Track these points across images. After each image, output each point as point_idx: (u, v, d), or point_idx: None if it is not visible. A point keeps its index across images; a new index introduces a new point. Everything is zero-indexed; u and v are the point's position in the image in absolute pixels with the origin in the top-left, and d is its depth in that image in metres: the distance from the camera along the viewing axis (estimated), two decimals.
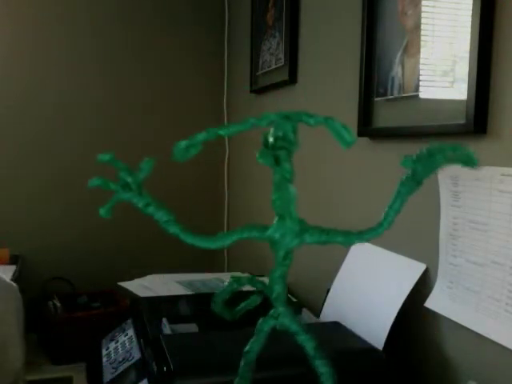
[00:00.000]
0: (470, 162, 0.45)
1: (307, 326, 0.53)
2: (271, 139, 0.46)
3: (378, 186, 1.13)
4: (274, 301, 0.51)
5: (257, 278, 0.58)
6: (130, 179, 0.47)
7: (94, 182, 0.48)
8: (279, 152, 0.46)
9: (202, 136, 0.46)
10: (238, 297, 0.58)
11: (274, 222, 0.48)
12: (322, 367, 0.51)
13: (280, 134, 0.46)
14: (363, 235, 0.50)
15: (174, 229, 0.49)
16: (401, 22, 1.03)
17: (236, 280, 0.57)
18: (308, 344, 0.51)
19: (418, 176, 0.47)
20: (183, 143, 0.45)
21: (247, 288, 0.57)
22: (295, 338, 0.51)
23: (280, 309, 0.51)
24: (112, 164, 0.47)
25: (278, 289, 0.50)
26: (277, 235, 0.48)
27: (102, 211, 0.48)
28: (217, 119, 2.14)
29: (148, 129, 2.08)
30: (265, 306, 0.56)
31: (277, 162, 0.47)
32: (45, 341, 1.74)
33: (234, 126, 0.46)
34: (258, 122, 0.46)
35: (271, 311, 0.51)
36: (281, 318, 0.51)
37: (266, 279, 0.50)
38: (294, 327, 0.51)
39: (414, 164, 0.47)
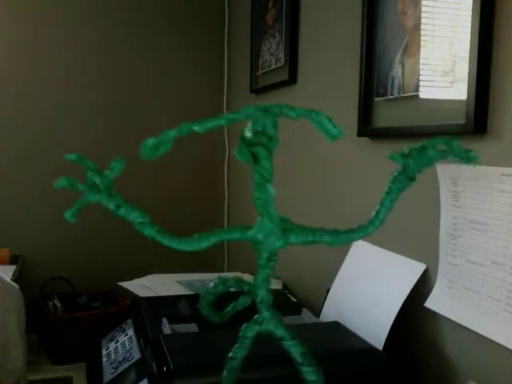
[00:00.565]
0: (467, 157, 0.42)
1: (302, 326, 0.51)
2: (249, 134, 0.42)
3: (378, 186, 1.13)
4: (259, 305, 0.47)
5: (244, 278, 0.54)
6: (98, 180, 0.44)
7: (60, 182, 0.45)
8: (257, 149, 0.42)
9: (173, 132, 0.42)
10: (227, 297, 0.56)
11: (256, 222, 0.44)
12: (310, 375, 0.48)
13: (259, 128, 0.42)
14: (352, 234, 0.46)
15: (148, 230, 0.45)
16: (401, 22, 1.03)
17: (222, 281, 0.54)
18: (294, 350, 0.47)
19: (410, 171, 0.43)
20: (151, 141, 0.42)
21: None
22: (281, 343, 0.48)
23: (264, 313, 0.47)
24: (79, 163, 0.44)
25: (261, 292, 0.47)
26: (260, 236, 0.44)
27: (67, 214, 0.45)
28: None
29: (148, 129, 2.08)
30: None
31: (255, 159, 0.42)
32: (45, 341, 1.74)
33: (209, 122, 0.42)
34: (235, 116, 0.42)
35: (256, 316, 0.48)
36: (265, 323, 0.47)
37: None
38: (279, 332, 0.47)
39: (404, 159, 0.44)
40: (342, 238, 0.46)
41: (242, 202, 2.01)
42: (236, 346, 0.49)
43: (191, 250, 0.45)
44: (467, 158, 0.41)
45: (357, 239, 0.46)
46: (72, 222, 0.44)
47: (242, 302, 0.56)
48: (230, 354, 0.49)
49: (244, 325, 0.49)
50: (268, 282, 0.47)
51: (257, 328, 0.48)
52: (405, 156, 0.44)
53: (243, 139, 0.43)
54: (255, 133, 0.43)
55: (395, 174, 0.44)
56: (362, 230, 0.46)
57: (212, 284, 0.54)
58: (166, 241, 0.45)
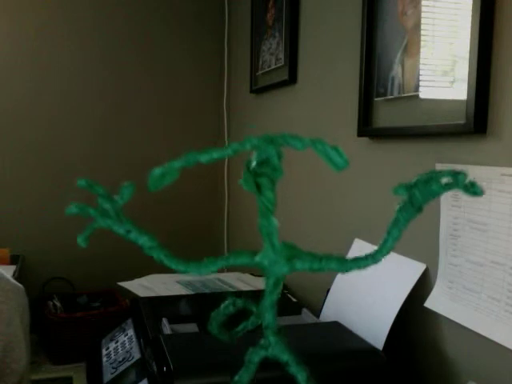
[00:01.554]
0: (473, 191, 0.41)
1: (302, 326, 0.52)
2: (254, 165, 0.43)
3: (378, 186, 1.13)
4: (265, 330, 0.48)
5: (250, 287, 0.55)
6: (108, 206, 0.45)
7: (71, 209, 0.45)
8: (261, 179, 0.43)
9: (178, 163, 0.43)
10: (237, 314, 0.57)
11: (263, 248, 0.45)
12: None
13: (263, 158, 0.43)
14: (359, 262, 0.46)
15: (157, 254, 0.46)
16: (401, 22, 1.03)
17: (232, 303, 0.55)
18: (300, 375, 0.48)
19: (417, 202, 0.43)
20: (158, 171, 0.42)
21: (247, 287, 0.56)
22: (286, 368, 0.48)
23: (271, 338, 0.48)
24: (89, 190, 0.45)
25: (268, 318, 0.48)
26: (265, 262, 0.45)
27: (79, 239, 0.46)
28: (217, 119, 2.14)
29: (148, 129, 2.08)
30: None
31: (259, 189, 0.43)
32: (45, 341, 1.74)
33: (216, 152, 0.43)
34: (240, 146, 0.43)
35: (262, 341, 0.48)
36: (271, 348, 0.48)
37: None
38: (285, 358, 0.48)
39: (409, 190, 0.44)
40: (349, 265, 0.46)
41: (242, 205, 2.01)
42: (241, 370, 0.49)
43: (198, 274, 0.46)
44: (473, 192, 0.41)
45: (363, 267, 0.46)
46: (84, 247, 0.45)
47: (253, 322, 0.57)
48: (235, 378, 0.49)
49: (250, 349, 0.49)
50: (274, 307, 0.48)
51: (263, 353, 0.48)
52: (410, 188, 0.44)
53: (248, 168, 0.44)
54: (259, 163, 0.43)
55: (402, 204, 0.44)
56: (370, 259, 0.46)
57: (222, 306, 0.55)
58: (173, 265, 0.46)
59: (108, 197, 0.45)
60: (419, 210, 0.44)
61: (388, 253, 0.47)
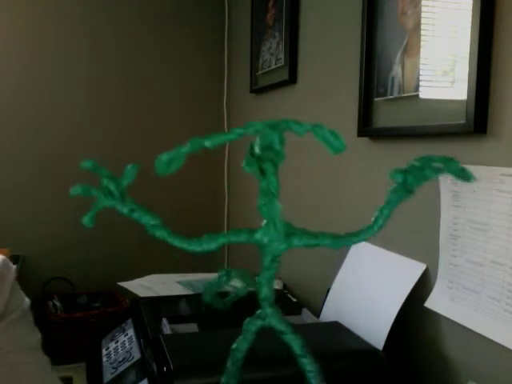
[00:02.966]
0: (463, 176, 0.44)
1: (302, 326, 0.54)
2: (257, 149, 0.45)
3: (378, 186, 1.13)
4: (261, 301, 0.51)
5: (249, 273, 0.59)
6: (112, 186, 0.47)
7: (76, 190, 0.47)
8: (265, 164, 0.45)
9: (185, 148, 0.44)
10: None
11: (262, 226, 0.48)
12: (309, 365, 0.52)
13: (266, 143, 0.45)
14: (351, 238, 0.50)
15: (160, 232, 0.48)
16: (401, 22, 1.03)
17: (226, 273, 0.58)
18: (295, 343, 0.51)
19: (409, 185, 0.47)
20: (165, 156, 0.44)
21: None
22: (282, 337, 0.52)
23: (267, 309, 0.51)
24: (94, 171, 0.46)
25: (265, 291, 0.51)
26: (265, 239, 0.48)
27: (85, 219, 0.47)
28: (217, 119, 2.14)
29: (148, 128, 2.08)
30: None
31: (262, 173, 0.46)
32: (45, 341, 1.74)
33: (220, 137, 0.45)
34: (243, 131, 0.45)
35: (258, 311, 0.52)
36: (268, 318, 0.51)
37: None
38: (281, 326, 0.51)
39: (403, 176, 0.47)
40: (342, 241, 0.50)
41: (242, 204, 2.02)
42: (239, 338, 0.53)
43: (201, 251, 0.49)
44: (463, 177, 0.44)
45: (356, 243, 0.49)
46: (89, 227, 0.47)
47: (242, 290, 0.61)
48: (233, 346, 0.52)
49: (247, 319, 0.52)
50: (272, 281, 0.51)
51: (259, 322, 0.52)
52: (404, 172, 0.47)
53: (252, 152, 0.46)
54: (263, 148, 0.45)
55: (395, 186, 0.47)
56: (361, 234, 0.49)
57: (216, 276, 0.58)
58: (177, 242, 0.49)
59: (112, 177, 0.47)
60: (411, 193, 0.47)
61: (379, 230, 0.50)
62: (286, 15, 1.55)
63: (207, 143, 0.44)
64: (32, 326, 0.70)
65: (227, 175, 2.13)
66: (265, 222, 0.47)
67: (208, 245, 0.48)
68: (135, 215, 0.47)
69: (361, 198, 1.20)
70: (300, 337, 0.52)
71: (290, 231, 0.48)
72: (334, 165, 1.32)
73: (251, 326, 0.52)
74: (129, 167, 0.46)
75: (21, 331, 0.66)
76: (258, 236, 0.48)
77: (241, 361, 0.53)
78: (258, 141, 0.45)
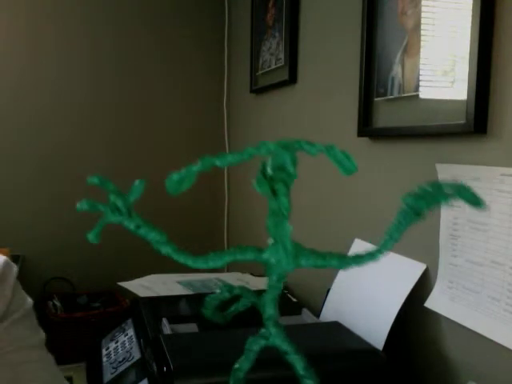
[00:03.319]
0: (476, 203, 0.44)
1: (302, 326, 0.53)
2: (269, 170, 0.45)
3: (378, 186, 1.13)
4: (266, 321, 0.51)
5: (248, 286, 0.57)
6: (119, 202, 0.47)
7: (82, 205, 0.47)
8: (277, 185, 0.45)
9: (196, 167, 0.44)
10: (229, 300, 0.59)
11: (269, 245, 0.47)
12: None
13: (278, 164, 0.44)
14: (359, 260, 0.50)
15: (166, 249, 0.48)
16: (401, 22, 1.03)
17: (228, 289, 0.57)
18: (298, 364, 0.50)
19: (420, 209, 0.47)
20: (176, 176, 0.44)
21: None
22: (285, 357, 0.51)
23: (271, 329, 0.51)
24: (101, 186, 0.46)
25: (269, 311, 0.50)
26: (272, 260, 0.47)
27: (90, 236, 0.47)
28: (217, 119, 2.14)
29: (148, 128, 2.08)
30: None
31: (274, 193, 0.45)
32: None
33: (232, 156, 0.44)
34: (256, 151, 0.44)
35: (262, 331, 0.51)
36: (272, 338, 0.51)
37: (265, 279, 0.50)
38: (284, 347, 0.51)
39: (415, 200, 0.47)
40: (349, 262, 0.50)
41: (242, 200, 2.02)
42: (241, 358, 0.52)
43: (206, 268, 0.48)
44: (475, 204, 0.45)
45: (363, 264, 0.49)
46: (95, 243, 0.47)
47: (244, 303, 0.60)
48: (235, 366, 0.52)
49: (250, 338, 0.52)
50: (276, 300, 0.50)
51: (263, 342, 0.51)
52: (416, 197, 0.47)
53: (263, 172, 0.45)
54: (274, 168, 0.45)
55: (404, 209, 0.47)
56: (369, 257, 0.49)
57: (218, 290, 0.57)
58: (182, 259, 0.48)
59: (119, 193, 0.46)
60: (421, 216, 0.47)
61: (387, 251, 0.50)
62: (286, 15, 1.55)
63: (218, 162, 0.44)
64: (35, 325, 0.70)
65: (227, 175, 2.13)
66: (272, 241, 0.47)
67: (214, 262, 0.48)
68: (141, 231, 0.47)
69: (361, 198, 1.20)
70: (304, 358, 0.51)
71: (298, 251, 0.48)
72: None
73: (254, 345, 0.52)
74: (136, 183, 0.46)
75: (23, 331, 0.66)
76: (265, 256, 0.47)
77: (243, 381, 0.53)
78: (270, 161, 0.45)
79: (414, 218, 0.47)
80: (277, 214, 0.45)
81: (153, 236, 0.47)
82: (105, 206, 0.47)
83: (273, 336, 0.50)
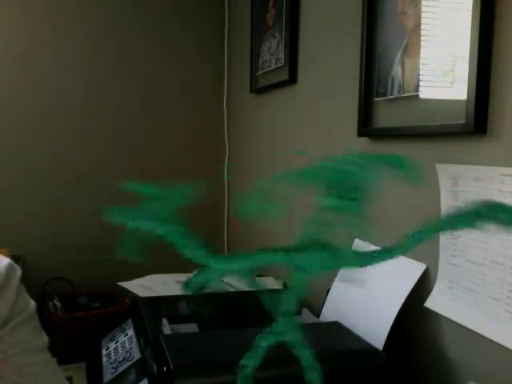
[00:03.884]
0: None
1: (302, 326, 0.53)
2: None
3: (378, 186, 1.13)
4: (282, 316, 0.51)
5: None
6: (164, 211, 0.46)
7: (114, 218, 0.46)
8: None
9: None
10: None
11: (301, 249, 0.48)
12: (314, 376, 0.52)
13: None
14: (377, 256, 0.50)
15: (204, 259, 0.48)
16: (401, 22, 1.03)
17: (264, 338, 0.54)
18: (307, 359, 0.52)
19: (439, 229, 0.47)
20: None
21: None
22: (293, 350, 0.51)
23: (285, 325, 0.51)
24: (137, 192, 0.44)
25: (288, 307, 0.52)
26: (304, 263, 0.49)
27: (132, 257, 0.47)
28: (217, 119, 2.14)
29: (148, 128, 2.08)
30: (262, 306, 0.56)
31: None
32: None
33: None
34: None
35: (273, 327, 0.51)
36: (284, 334, 0.51)
37: (265, 279, 0.50)
38: (297, 344, 0.52)
39: (474, 218, 0.47)
40: (368, 260, 0.50)
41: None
42: (248, 354, 0.51)
43: (234, 269, 0.48)
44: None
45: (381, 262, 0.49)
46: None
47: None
48: (242, 362, 0.51)
49: (259, 335, 0.51)
50: (295, 298, 0.52)
51: (273, 339, 0.51)
52: (475, 215, 0.47)
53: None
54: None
55: (425, 226, 0.47)
56: (386, 254, 0.49)
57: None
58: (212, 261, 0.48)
59: (165, 199, 0.46)
60: (456, 229, 0.47)
61: (406, 251, 0.50)
62: (286, 15, 1.55)
63: None
64: (38, 328, 0.70)
65: (227, 186, 2.13)
66: (303, 242, 0.48)
67: (241, 263, 0.48)
68: (186, 252, 0.47)
69: None
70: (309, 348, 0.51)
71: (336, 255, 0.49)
72: None
73: (264, 341, 0.51)
74: (185, 187, 0.45)
75: (26, 334, 0.66)
76: (297, 259, 0.50)
77: (251, 378, 0.52)
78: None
79: (431, 235, 0.47)
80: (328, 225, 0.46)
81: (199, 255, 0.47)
82: (151, 219, 0.46)
83: (285, 332, 0.50)
